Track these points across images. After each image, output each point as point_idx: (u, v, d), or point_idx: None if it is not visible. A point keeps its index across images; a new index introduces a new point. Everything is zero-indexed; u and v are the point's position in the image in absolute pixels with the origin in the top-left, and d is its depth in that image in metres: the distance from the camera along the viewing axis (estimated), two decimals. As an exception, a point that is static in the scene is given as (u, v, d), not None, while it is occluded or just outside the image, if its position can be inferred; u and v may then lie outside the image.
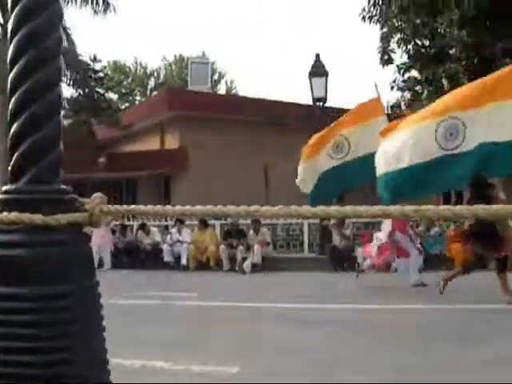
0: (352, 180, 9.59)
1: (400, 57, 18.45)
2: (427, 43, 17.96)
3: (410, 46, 18.13)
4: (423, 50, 18.01)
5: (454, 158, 6.77)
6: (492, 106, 6.56)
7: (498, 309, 6.49)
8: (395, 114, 17.07)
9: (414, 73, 18.15)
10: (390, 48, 18.36)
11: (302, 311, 6.65)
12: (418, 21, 17.53)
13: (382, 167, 7.32)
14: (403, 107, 20.45)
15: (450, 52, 16.51)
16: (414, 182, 7.07)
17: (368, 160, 8.12)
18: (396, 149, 7.12)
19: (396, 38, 18.29)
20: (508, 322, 5.89)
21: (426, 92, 18.24)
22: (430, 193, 9.00)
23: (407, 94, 18.69)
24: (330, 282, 10.42)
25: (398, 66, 18.25)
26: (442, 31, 16.84)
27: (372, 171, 7.67)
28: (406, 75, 18.19)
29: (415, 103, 17.34)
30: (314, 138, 9.78)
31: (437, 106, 7.43)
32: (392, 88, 18.24)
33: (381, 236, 9.16)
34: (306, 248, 13.69)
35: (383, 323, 5.82)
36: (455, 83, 16.42)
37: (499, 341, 4.96)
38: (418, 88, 18.15)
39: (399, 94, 19.07)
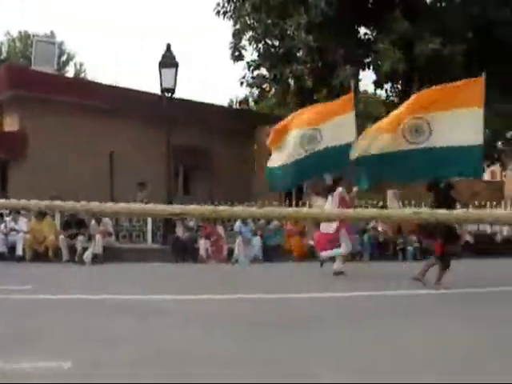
0: (317, 170, 9.96)
1: (251, 54, 18.95)
2: (277, 43, 18.62)
3: (260, 45, 18.67)
4: (273, 50, 18.64)
5: (415, 152, 8.19)
6: (454, 111, 7.98)
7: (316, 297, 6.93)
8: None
9: (263, 71, 18.74)
10: (241, 45, 18.77)
11: (138, 302, 6.58)
12: (269, 21, 18.12)
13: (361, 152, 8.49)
14: (251, 103, 21.09)
15: (298, 54, 17.24)
16: (384, 167, 8.37)
17: (335, 151, 9.13)
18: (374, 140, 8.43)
19: (248, 36, 18.76)
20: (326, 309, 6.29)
21: (273, 90, 18.92)
22: (395, 178, 10.13)
23: (255, 91, 19.24)
24: (171, 272, 10.44)
25: (248, 62, 18.72)
26: (291, 33, 17.54)
27: (336, 162, 9.01)
28: (256, 72, 18.73)
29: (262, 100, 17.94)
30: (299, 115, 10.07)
31: (405, 109, 8.57)
32: (241, 84, 18.68)
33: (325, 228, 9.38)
34: (149, 238, 13.56)
35: (214, 313, 5.93)
36: (301, 84, 17.25)
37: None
38: (265, 86, 18.76)
39: (248, 89, 19.60)
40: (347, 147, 8.85)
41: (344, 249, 9.27)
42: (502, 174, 28.13)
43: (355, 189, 9.35)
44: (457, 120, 7.97)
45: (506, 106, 21.21)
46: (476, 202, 15.04)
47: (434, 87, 8.81)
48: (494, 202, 15.62)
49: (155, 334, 4.82)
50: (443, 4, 17.91)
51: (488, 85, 17.77)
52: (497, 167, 29.48)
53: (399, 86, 18.50)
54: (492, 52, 16.79)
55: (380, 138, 8.38)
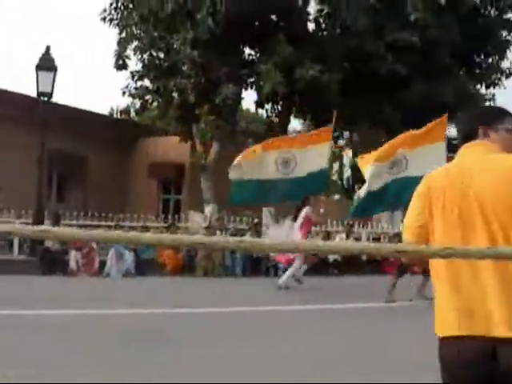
0: (287, 195, 10.69)
1: (135, 64, 18.72)
2: (162, 56, 18.55)
3: (145, 56, 18.50)
4: (157, 62, 18.54)
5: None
6: (420, 148, 9.51)
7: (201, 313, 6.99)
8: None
9: (147, 82, 18.57)
10: (126, 54, 18.50)
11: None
12: (155, 33, 18.04)
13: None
14: (132, 113, 20.79)
15: (182, 68, 17.29)
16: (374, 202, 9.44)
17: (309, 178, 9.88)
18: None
19: (133, 46, 18.53)
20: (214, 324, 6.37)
21: (155, 102, 18.82)
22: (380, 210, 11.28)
23: (138, 102, 19.02)
24: (36, 285, 10.00)
25: (131, 72, 18.47)
26: (177, 48, 17.56)
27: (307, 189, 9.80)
28: (139, 83, 18.51)
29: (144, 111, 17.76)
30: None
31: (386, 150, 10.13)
32: (124, 93, 18.38)
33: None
34: (15, 249, 12.91)
35: (80, 327, 5.80)
36: (184, 98, 17.31)
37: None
38: (148, 97, 18.59)
39: (130, 100, 19.34)
40: (320, 174, 9.78)
41: (298, 263, 9.70)
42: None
43: (321, 210, 10.89)
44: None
45: (375, 133, 22.64)
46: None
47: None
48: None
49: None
50: (324, 33, 18.79)
51: (361, 113, 18.93)
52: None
53: (279, 107, 19.11)
54: (366, 82, 17.87)
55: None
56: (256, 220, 15.71)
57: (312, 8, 18.82)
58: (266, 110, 19.31)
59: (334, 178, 40.35)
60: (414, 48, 16.95)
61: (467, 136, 2.49)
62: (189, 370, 4.47)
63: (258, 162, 10.03)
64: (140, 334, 5.79)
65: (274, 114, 19.57)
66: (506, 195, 2.26)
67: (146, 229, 14.20)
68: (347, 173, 36.05)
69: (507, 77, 19.92)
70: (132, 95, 18.56)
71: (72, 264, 11.90)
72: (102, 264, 12.21)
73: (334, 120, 11.15)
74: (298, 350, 5.24)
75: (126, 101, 18.97)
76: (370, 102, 18.37)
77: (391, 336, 5.99)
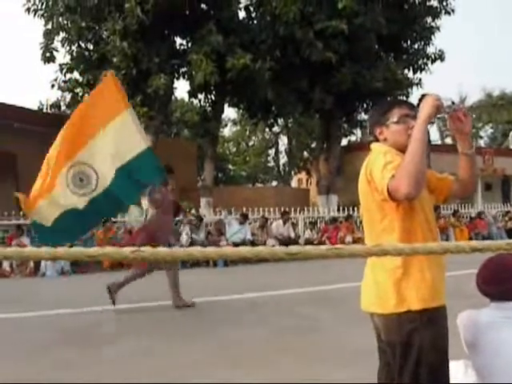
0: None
1: (63, 56, 18.23)
2: (91, 47, 18.16)
3: (73, 47, 18.08)
4: (86, 54, 18.15)
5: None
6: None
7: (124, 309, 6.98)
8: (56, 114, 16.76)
9: (76, 74, 18.15)
10: (53, 46, 18.01)
11: None
12: (83, 24, 17.62)
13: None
14: (63, 107, 20.29)
15: (112, 59, 16.99)
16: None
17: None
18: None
19: (60, 37, 18.05)
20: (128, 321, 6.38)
21: (86, 95, 18.41)
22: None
23: (67, 95, 18.58)
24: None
25: (60, 65, 18.00)
26: (106, 38, 17.24)
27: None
28: (68, 76, 18.08)
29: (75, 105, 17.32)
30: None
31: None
32: (53, 86, 17.92)
33: None
34: None
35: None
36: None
37: (123, 340, 5.37)
38: (78, 90, 18.19)
39: (60, 93, 18.88)
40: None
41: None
42: (308, 181, 30.29)
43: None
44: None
45: (309, 119, 23.04)
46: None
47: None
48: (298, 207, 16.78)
49: None
50: (255, 22, 18.86)
51: (294, 99, 19.19)
52: (303, 175, 31.77)
53: (213, 96, 19.10)
54: (298, 69, 18.12)
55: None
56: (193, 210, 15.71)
57: (242, -4, 18.85)
58: (200, 100, 19.28)
59: (271, 164, 40.82)
60: (343, 35, 17.28)
61: (376, 140, 2.66)
62: (126, 367, 4.50)
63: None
64: (74, 332, 5.76)
65: (207, 104, 19.56)
66: (361, 198, 2.58)
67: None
68: (283, 159, 36.52)
69: (433, 62, 20.60)
70: (61, 88, 18.12)
71: (5, 264, 11.61)
72: (37, 264, 11.93)
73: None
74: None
75: (55, 94, 18.39)
76: (303, 89, 18.64)
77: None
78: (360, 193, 2.58)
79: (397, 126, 2.54)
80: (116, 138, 6.23)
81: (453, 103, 2.45)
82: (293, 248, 1.12)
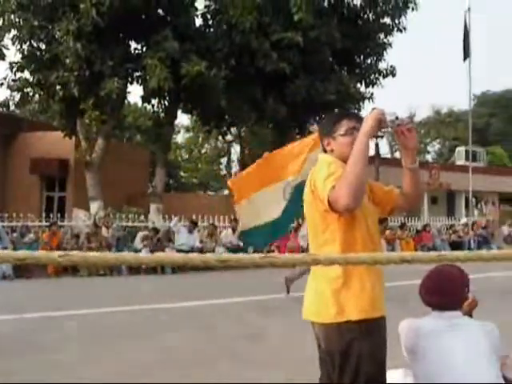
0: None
1: (14, 55, 17.78)
2: (43, 47, 17.77)
3: (25, 46, 17.65)
4: (38, 53, 17.74)
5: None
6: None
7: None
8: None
9: (27, 74, 17.72)
10: (3, 43, 17.55)
11: None
12: (36, 22, 17.24)
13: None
14: (12, 107, 19.77)
15: (65, 60, 16.66)
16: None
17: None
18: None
19: (11, 35, 17.59)
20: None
21: (36, 96, 18.03)
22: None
23: (17, 94, 18.11)
24: None
25: (10, 63, 17.54)
26: (59, 39, 16.90)
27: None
28: (18, 75, 17.63)
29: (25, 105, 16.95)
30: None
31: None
32: (1, 85, 17.44)
33: None
34: None
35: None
36: (67, 91, 16.72)
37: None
38: (29, 90, 17.76)
39: (9, 92, 18.36)
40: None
41: None
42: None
43: None
44: None
45: (262, 129, 23.17)
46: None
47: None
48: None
49: None
50: (211, 29, 18.89)
51: (247, 109, 19.29)
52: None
53: (166, 102, 18.98)
54: (252, 79, 18.22)
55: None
56: (142, 217, 15.53)
57: (200, 4, 18.90)
58: (153, 105, 19.10)
59: (223, 172, 40.78)
60: (298, 47, 17.50)
61: (324, 150, 2.71)
62: (66, 374, 4.42)
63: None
64: (7, 340, 5.61)
65: (160, 109, 19.41)
66: (305, 208, 2.62)
67: (26, 228, 13.63)
68: (236, 168, 36.50)
69: (384, 77, 21.08)
70: (11, 87, 17.65)
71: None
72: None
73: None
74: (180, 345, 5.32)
75: (4, 93, 17.91)
76: (256, 98, 18.76)
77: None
78: (304, 203, 2.61)
79: (343, 138, 2.57)
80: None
81: (397, 118, 2.46)
82: (223, 256, 1.13)
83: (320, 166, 2.54)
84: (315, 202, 2.48)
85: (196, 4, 18.84)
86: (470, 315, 3.12)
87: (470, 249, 18.02)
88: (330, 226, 2.47)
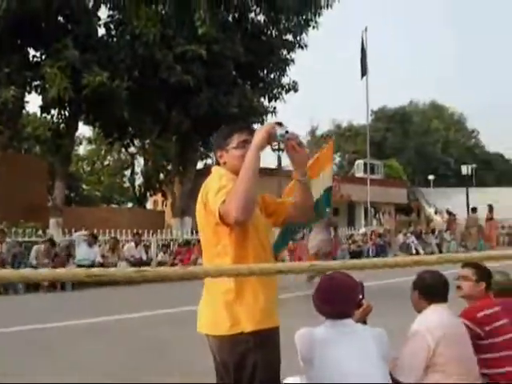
0: None
1: None
2: None
3: None
4: None
5: None
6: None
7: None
8: None
9: None
10: None
11: None
12: None
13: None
14: None
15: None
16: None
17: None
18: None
19: None
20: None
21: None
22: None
23: None
24: None
25: None
26: None
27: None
28: None
29: None
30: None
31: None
32: None
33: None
34: None
35: None
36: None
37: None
38: None
39: None
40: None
41: None
42: (164, 203, 30.09)
43: None
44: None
45: (165, 141, 23.01)
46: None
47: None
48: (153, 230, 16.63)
49: None
50: (114, 40, 18.59)
51: (151, 121, 19.06)
52: (159, 197, 31.55)
53: (66, 112, 18.42)
54: (156, 91, 18.09)
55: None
56: (40, 231, 14.91)
57: (103, 13, 18.54)
58: (52, 116, 18.47)
59: (126, 185, 39.99)
60: (202, 60, 17.58)
61: (218, 163, 2.75)
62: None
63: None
64: None
65: (60, 120, 18.79)
66: (198, 221, 2.63)
67: None
68: (139, 180, 35.93)
69: (287, 92, 21.63)
70: None
71: None
72: None
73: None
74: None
75: None
76: (160, 110, 18.63)
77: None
78: (197, 215, 2.60)
79: (236, 150, 2.61)
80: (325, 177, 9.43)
81: (287, 132, 2.50)
82: (94, 270, 1.14)
83: (212, 179, 2.55)
84: (207, 214, 2.48)
85: (99, 13, 18.53)
86: (365, 321, 3.26)
87: (368, 257, 18.79)
88: (222, 239, 2.48)
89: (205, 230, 2.58)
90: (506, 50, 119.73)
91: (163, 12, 18.15)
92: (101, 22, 18.57)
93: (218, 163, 2.73)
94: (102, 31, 18.74)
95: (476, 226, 24.62)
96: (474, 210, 25.56)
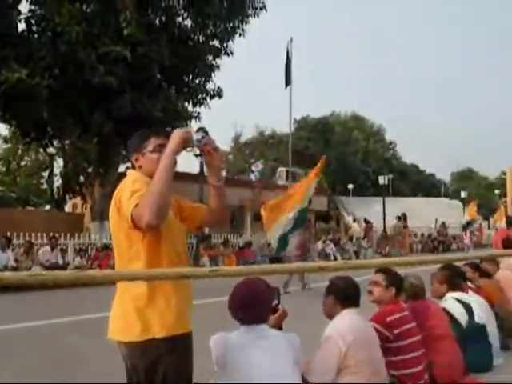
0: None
1: None
2: None
3: None
4: None
5: None
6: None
7: None
8: None
9: None
10: None
11: None
12: None
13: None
14: None
15: None
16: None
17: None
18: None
19: None
20: None
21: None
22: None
23: None
24: None
25: None
26: None
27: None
28: None
29: None
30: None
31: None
32: None
33: None
34: None
35: None
36: None
37: None
38: None
39: None
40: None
41: None
42: (83, 206, 29.28)
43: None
44: None
45: (86, 143, 22.45)
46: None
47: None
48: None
49: None
50: (35, 36, 17.96)
51: (71, 121, 18.57)
52: (78, 200, 30.65)
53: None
54: (78, 91, 17.60)
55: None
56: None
57: (24, 7, 17.85)
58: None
59: (44, 186, 38.61)
60: (126, 61, 17.29)
61: (133, 166, 2.72)
62: None
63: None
64: None
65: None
66: (111, 225, 2.59)
67: None
68: (58, 182, 34.76)
69: (212, 97, 21.63)
70: None
71: None
72: None
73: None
74: None
75: None
76: (81, 111, 18.16)
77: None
78: (110, 220, 2.56)
79: (152, 154, 2.59)
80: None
81: (203, 137, 2.51)
82: None
83: (126, 183, 2.52)
84: (120, 219, 2.45)
85: (20, 7, 17.82)
86: (280, 326, 3.33)
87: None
88: (135, 244, 2.46)
89: (118, 234, 2.53)
90: (421, 65, 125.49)
91: (88, 11, 17.73)
92: (21, 17, 17.87)
93: (133, 167, 2.69)
94: (22, 26, 18.06)
95: (401, 234, 25.73)
96: (400, 218, 26.60)
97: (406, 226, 26.66)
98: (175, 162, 2.45)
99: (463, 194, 42.73)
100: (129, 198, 2.38)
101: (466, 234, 30.68)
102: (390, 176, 42.13)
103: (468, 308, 5.24)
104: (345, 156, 56.08)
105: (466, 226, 30.61)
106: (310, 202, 11.39)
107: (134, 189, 2.42)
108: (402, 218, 26.45)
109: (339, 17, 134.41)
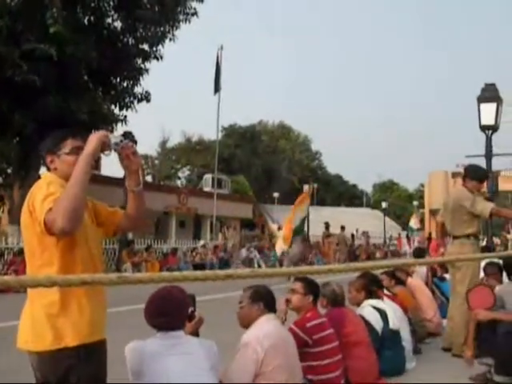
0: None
1: None
2: None
3: None
4: None
5: None
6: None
7: None
8: None
9: None
10: None
11: None
12: None
13: None
14: None
15: None
16: None
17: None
18: None
19: None
20: None
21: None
22: None
23: None
24: None
25: None
26: None
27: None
28: None
29: None
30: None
31: None
32: None
33: None
34: None
35: None
36: None
37: None
38: None
39: None
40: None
41: None
42: (1, 208, 28.12)
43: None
44: None
45: (6, 143, 21.59)
46: None
47: None
48: None
49: None
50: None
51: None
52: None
53: None
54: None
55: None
56: None
57: None
58: None
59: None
60: (52, 60, 16.78)
61: (48, 168, 2.61)
62: None
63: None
64: None
65: None
66: (22, 229, 2.54)
67: None
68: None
69: (139, 101, 21.33)
70: None
71: None
72: None
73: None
74: None
75: None
76: (2, 110, 17.46)
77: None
78: (22, 224, 2.47)
79: (68, 157, 2.50)
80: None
81: (121, 141, 2.49)
82: None
83: (39, 186, 2.43)
84: (33, 223, 2.37)
85: None
86: (197, 333, 3.36)
87: (212, 269, 19.08)
88: (48, 249, 2.38)
89: (30, 239, 2.44)
90: (348, 75, 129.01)
91: (12, 4, 17.10)
92: None
93: (48, 169, 2.59)
94: None
95: (344, 243, 26.63)
96: (343, 228, 27.45)
97: (328, 235, 27.28)
98: (92, 165, 2.38)
99: (384, 205, 44.23)
100: (42, 201, 2.30)
101: (409, 241, 33.25)
102: (315, 185, 42.99)
103: (383, 314, 5.46)
104: (271, 164, 56.76)
105: (411, 233, 33.32)
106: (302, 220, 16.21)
107: (47, 192, 2.33)
108: (325, 226, 27.08)
109: (268, 25, 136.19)
